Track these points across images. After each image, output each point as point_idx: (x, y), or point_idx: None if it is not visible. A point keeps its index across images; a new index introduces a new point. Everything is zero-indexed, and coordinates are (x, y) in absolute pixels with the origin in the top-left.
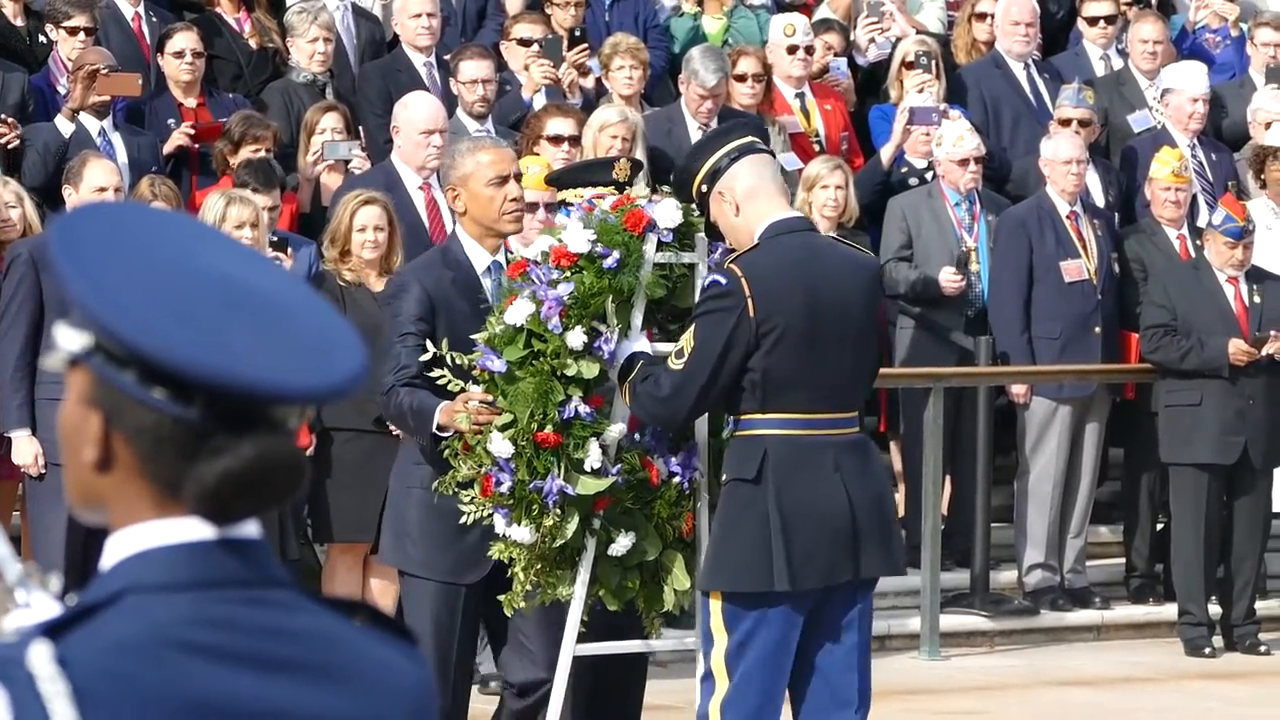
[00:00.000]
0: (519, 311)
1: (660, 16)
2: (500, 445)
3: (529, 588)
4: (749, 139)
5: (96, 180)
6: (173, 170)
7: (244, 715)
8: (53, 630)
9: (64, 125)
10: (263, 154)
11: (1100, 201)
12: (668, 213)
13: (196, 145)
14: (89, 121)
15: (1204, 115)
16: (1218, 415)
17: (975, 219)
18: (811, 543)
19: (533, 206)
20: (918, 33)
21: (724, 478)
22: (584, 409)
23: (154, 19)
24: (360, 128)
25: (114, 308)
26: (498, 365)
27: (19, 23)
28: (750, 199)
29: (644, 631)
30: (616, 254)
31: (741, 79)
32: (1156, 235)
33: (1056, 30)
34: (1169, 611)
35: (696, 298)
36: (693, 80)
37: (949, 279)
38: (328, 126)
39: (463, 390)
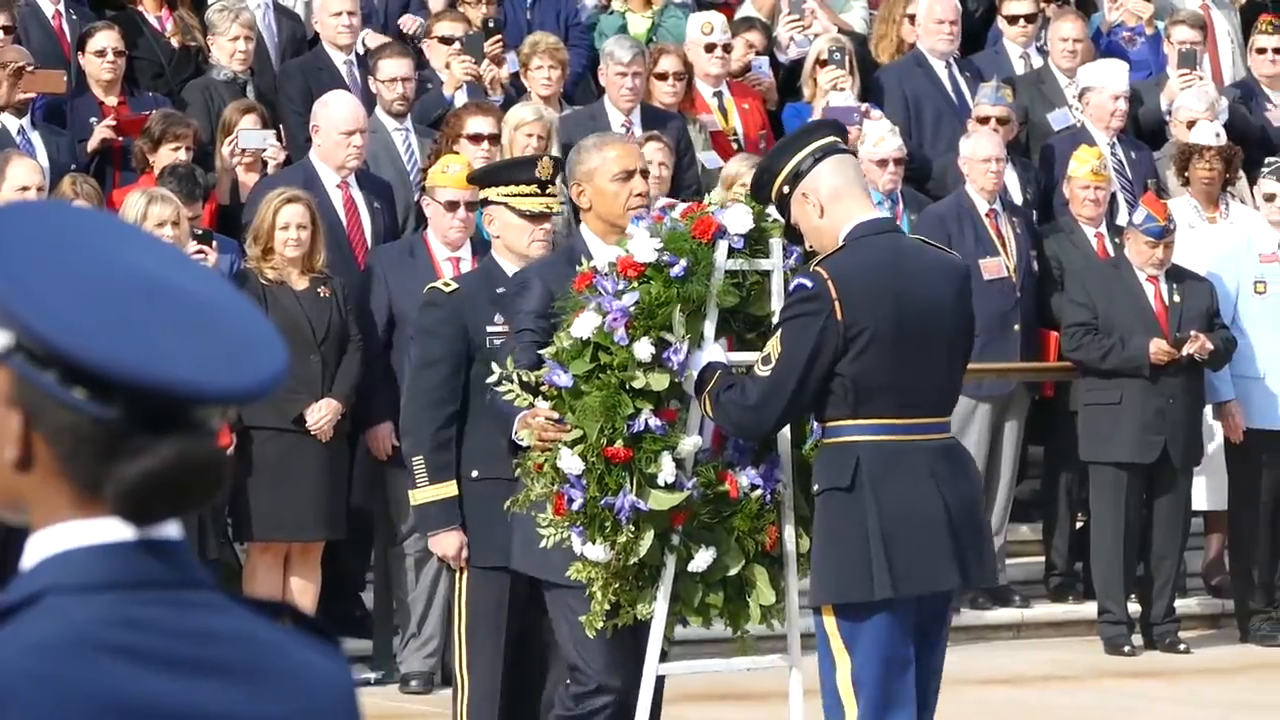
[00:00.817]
0: (585, 324)
1: (582, 15)
2: (570, 462)
3: (608, 607)
4: (832, 139)
5: (19, 179)
6: (94, 169)
7: (164, 717)
8: None
9: None
10: (183, 154)
11: (1019, 199)
12: (739, 218)
13: (120, 139)
14: (8, 120)
15: (1124, 113)
16: (1138, 414)
17: (898, 217)
18: (911, 549)
19: (453, 205)
20: (840, 31)
21: (816, 488)
22: (655, 422)
23: (74, 17)
24: (280, 126)
25: (36, 307)
26: (564, 380)
27: None
28: (835, 200)
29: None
30: (684, 262)
31: (663, 77)
32: (1075, 234)
33: (976, 29)
34: (1089, 610)
35: (776, 303)
36: (610, 62)
37: None
38: (245, 126)
39: (532, 406)
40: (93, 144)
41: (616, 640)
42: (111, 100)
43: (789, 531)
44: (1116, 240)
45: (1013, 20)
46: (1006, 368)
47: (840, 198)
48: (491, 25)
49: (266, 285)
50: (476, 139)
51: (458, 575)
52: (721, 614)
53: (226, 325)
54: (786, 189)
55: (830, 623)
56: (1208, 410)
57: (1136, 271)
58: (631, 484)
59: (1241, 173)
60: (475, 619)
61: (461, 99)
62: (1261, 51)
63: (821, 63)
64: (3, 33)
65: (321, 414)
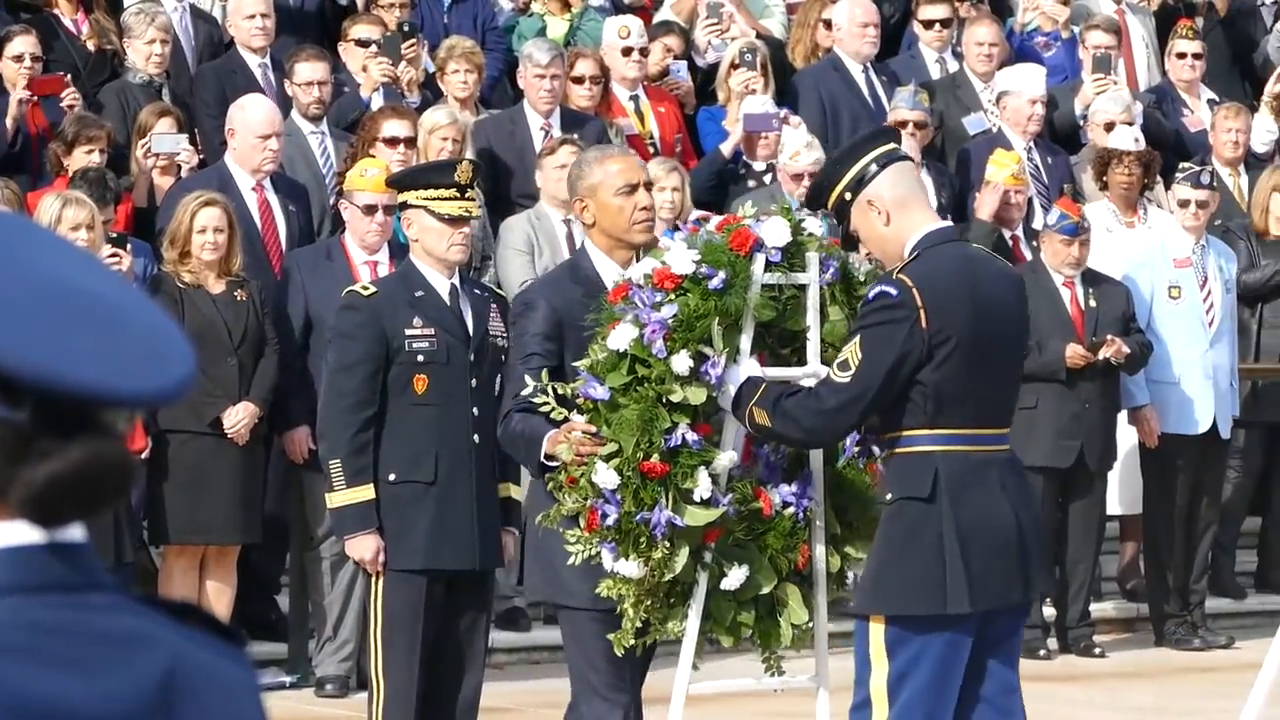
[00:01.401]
0: (622, 336)
1: (499, 19)
2: (605, 476)
3: (639, 625)
4: (892, 145)
5: None
6: (8, 171)
7: (62, 714)
8: None
9: None
10: (97, 157)
11: (933, 204)
12: (776, 231)
13: (36, 99)
14: None
15: (1041, 117)
16: (1053, 419)
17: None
18: (985, 563)
19: (371, 209)
20: (759, 36)
21: (887, 497)
22: (691, 436)
23: None
24: (196, 130)
25: None
26: (600, 393)
27: None
28: (901, 208)
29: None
30: (723, 274)
31: (579, 81)
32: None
33: (891, 33)
34: None
35: (811, 317)
36: (529, 65)
37: None
38: (161, 131)
39: (566, 419)
40: (9, 123)
41: (625, 658)
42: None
43: (820, 550)
44: (1034, 244)
45: (928, 25)
46: None
47: (907, 205)
48: (407, 28)
49: (183, 288)
50: (392, 142)
51: (374, 579)
52: (753, 633)
53: (136, 329)
54: (849, 195)
55: (878, 629)
56: (1122, 415)
57: (1053, 275)
58: (667, 499)
59: (1159, 179)
60: (391, 622)
61: (379, 102)
62: (1181, 56)
63: (735, 66)
64: None
65: (238, 417)
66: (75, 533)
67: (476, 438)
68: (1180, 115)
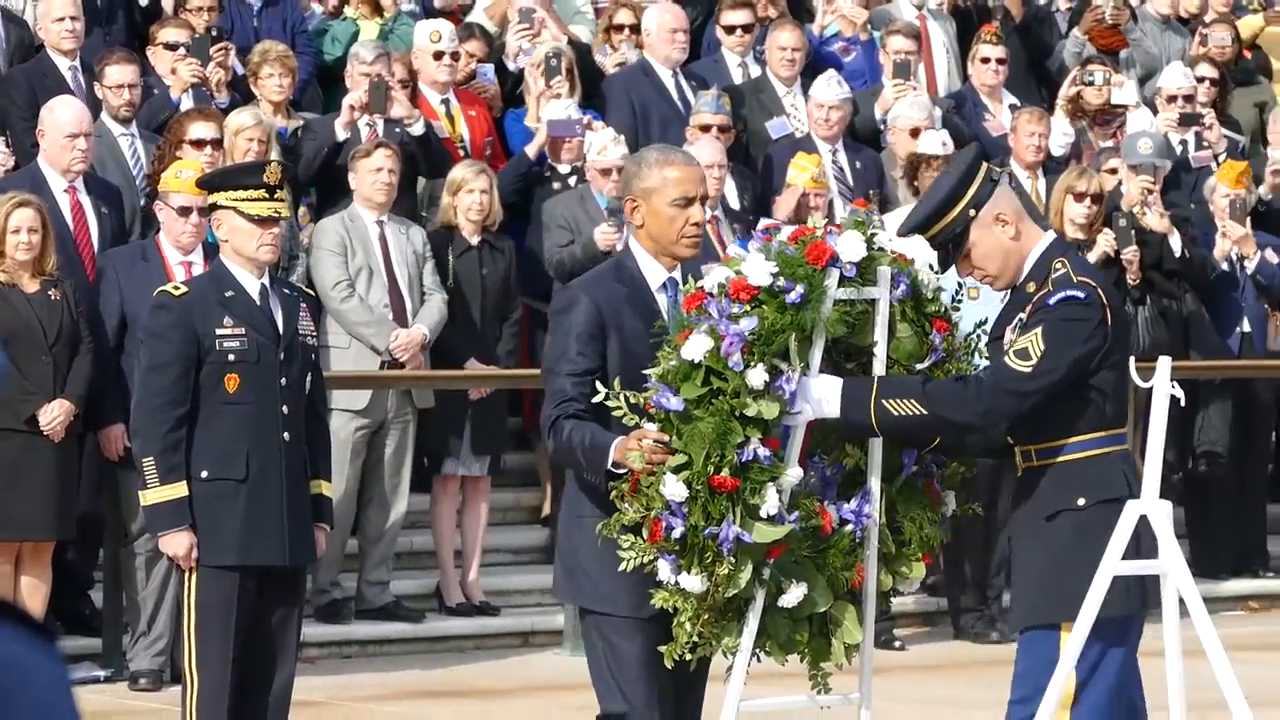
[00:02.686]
0: (697, 347)
1: (309, 23)
2: (674, 488)
3: (695, 639)
4: (988, 165)
5: None
6: None
7: None
8: None
9: None
10: None
11: (736, 206)
12: (852, 245)
13: None
14: None
15: (843, 121)
16: None
17: (623, 237)
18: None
19: (185, 210)
20: (569, 41)
21: (1079, 502)
22: (763, 452)
23: None
24: (8, 132)
25: None
26: (675, 404)
27: None
28: (1023, 221)
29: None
30: (800, 288)
31: None
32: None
33: (694, 37)
34: None
35: (880, 332)
36: (354, 63)
37: (604, 234)
38: None
39: (637, 426)
40: None
41: (658, 672)
42: None
43: (872, 568)
44: None
45: (730, 30)
46: None
47: (1025, 218)
48: (215, 32)
49: (3, 289)
50: (199, 144)
51: (187, 574)
52: (805, 651)
53: None
54: (972, 213)
55: (1063, 638)
56: None
57: None
58: (735, 514)
59: None
60: (205, 617)
61: (188, 103)
62: (985, 61)
63: (540, 72)
64: None
65: (54, 414)
66: None
67: (287, 435)
68: (982, 119)
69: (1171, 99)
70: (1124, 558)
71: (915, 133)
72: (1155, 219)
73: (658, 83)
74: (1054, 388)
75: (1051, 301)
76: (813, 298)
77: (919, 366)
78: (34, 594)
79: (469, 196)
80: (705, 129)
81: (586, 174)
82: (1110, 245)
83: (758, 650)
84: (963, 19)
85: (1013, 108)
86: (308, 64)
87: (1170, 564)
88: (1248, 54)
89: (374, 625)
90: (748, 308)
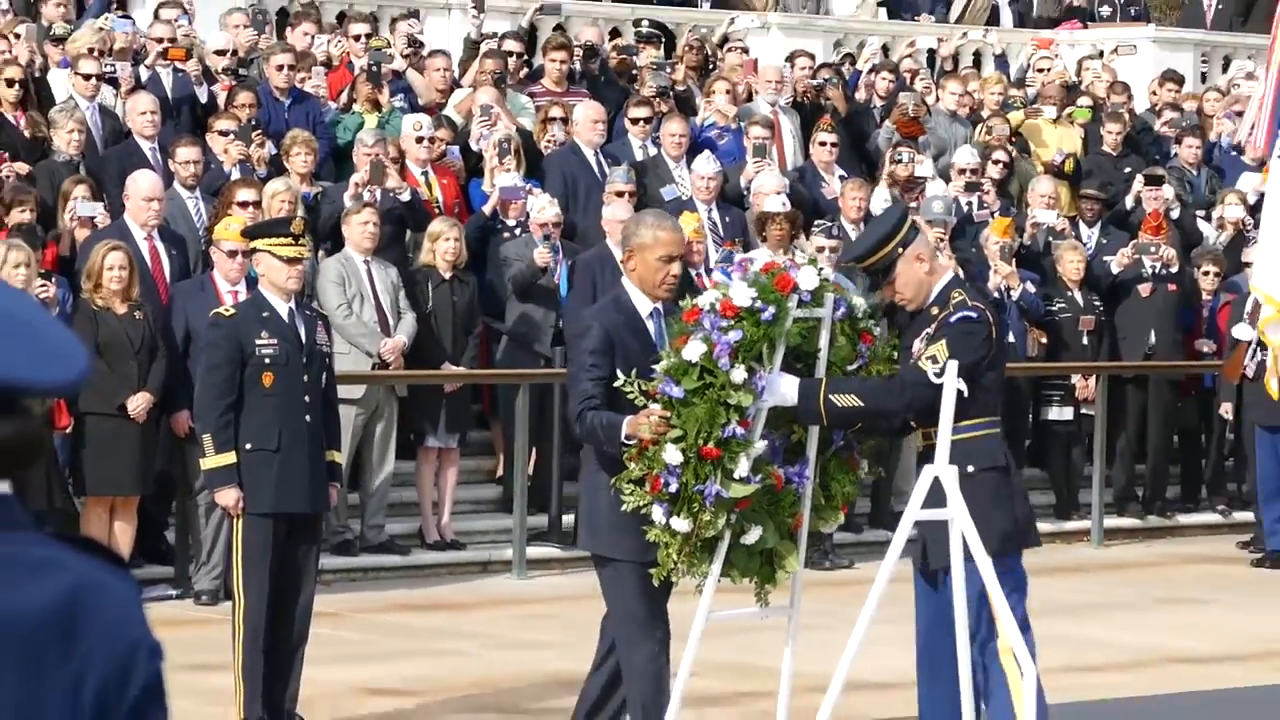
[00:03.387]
0: (694, 350)
1: (326, 116)
2: (673, 454)
3: (674, 566)
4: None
5: None
6: None
7: None
8: None
9: None
10: (28, 215)
11: None
12: (808, 277)
13: None
14: None
15: (717, 188)
16: None
17: (559, 263)
18: (1028, 512)
19: (233, 253)
20: (517, 129)
21: (970, 469)
22: (739, 430)
23: None
24: (104, 196)
25: None
26: (677, 392)
27: None
28: (935, 259)
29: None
30: (772, 309)
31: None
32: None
33: (609, 126)
34: None
35: (823, 341)
36: (360, 146)
37: (540, 254)
38: (78, 195)
39: (645, 407)
40: None
41: (654, 600)
42: None
43: (807, 516)
44: (712, 279)
45: (635, 121)
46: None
47: (937, 258)
48: (254, 123)
49: (97, 310)
50: (244, 204)
51: (235, 520)
52: (757, 577)
53: (47, 340)
54: (900, 251)
55: (989, 565)
56: None
57: None
58: (716, 476)
59: (803, 232)
60: (248, 551)
61: (236, 174)
62: (822, 144)
63: (495, 152)
64: None
65: (138, 403)
66: (4, 488)
67: (308, 418)
68: (820, 187)
69: (961, 171)
70: (1019, 511)
71: (768, 196)
72: (944, 260)
73: (583, 159)
74: (944, 381)
75: (952, 320)
76: (780, 316)
77: (850, 368)
78: (123, 534)
79: (444, 244)
80: (619, 194)
81: (529, 226)
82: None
83: (722, 575)
84: (804, 113)
85: (841, 178)
86: (325, 146)
87: (956, 512)
88: (1013, 138)
89: (373, 557)
90: (734, 322)
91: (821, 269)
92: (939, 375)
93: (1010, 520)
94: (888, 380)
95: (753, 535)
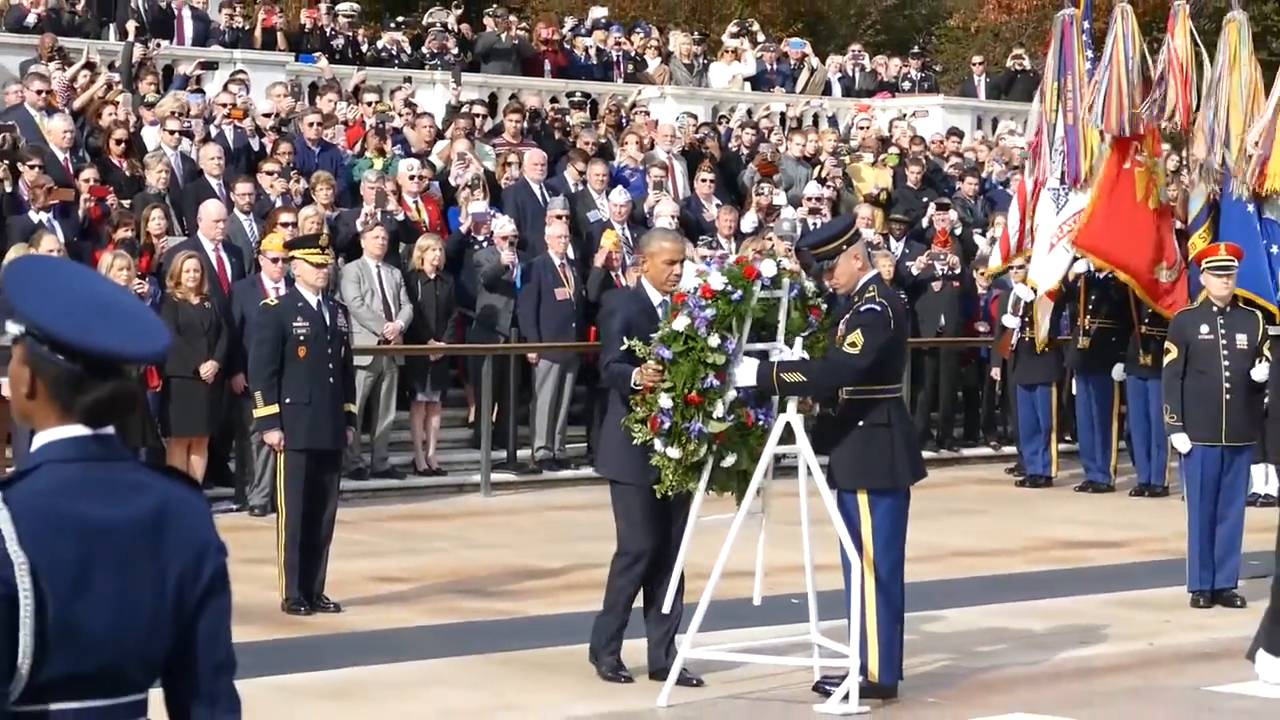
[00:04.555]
0: (680, 323)
1: (345, 160)
2: (664, 400)
3: (671, 483)
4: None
5: (47, 246)
6: (85, 238)
7: (101, 530)
8: (3, 484)
9: (33, 216)
10: (129, 233)
11: (573, 256)
12: (768, 268)
13: (95, 201)
14: (39, 215)
15: (628, 212)
16: None
17: (515, 265)
18: (913, 457)
19: (276, 260)
20: (485, 171)
21: (861, 423)
22: (715, 382)
23: (76, 161)
24: (183, 219)
25: (37, 312)
26: (667, 354)
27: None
28: (866, 260)
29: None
30: (740, 292)
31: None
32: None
33: (551, 166)
34: None
35: (781, 316)
36: (365, 184)
37: (505, 255)
38: (155, 217)
39: (646, 361)
40: (81, 214)
41: (652, 517)
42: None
43: (771, 446)
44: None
45: (570, 160)
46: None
47: (868, 259)
48: (292, 165)
49: (177, 302)
50: (285, 225)
51: (278, 454)
52: (733, 489)
53: (138, 321)
54: (845, 246)
55: (863, 499)
56: None
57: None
58: (699, 416)
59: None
60: (289, 477)
61: (279, 204)
62: (703, 180)
63: (468, 186)
64: (39, 169)
65: (207, 369)
66: (108, 429)
67: (331, 380)
68: (702, 212)
69: (805, 200)
70: (895, 457)
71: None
72: (790, 264)
73: (531, 192)
74: (874, 362)
75: (862, 310)
76: (746, 297)
77: (800, 336)
78: (197, 464)
79: (430, 254)
80: (558, 217)
81: (494, 240)
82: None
83: (708, 490)
84: (690, 158)
85: (718, 205)
86: (343, 182)
87: (801, 448)
88: (841, 177)
89: (380, 481)
90: (710, 302)
91: (780, 261)
92: (859, 357)
93: (887, 465)
94: (822, 361)
95: (729, 460)
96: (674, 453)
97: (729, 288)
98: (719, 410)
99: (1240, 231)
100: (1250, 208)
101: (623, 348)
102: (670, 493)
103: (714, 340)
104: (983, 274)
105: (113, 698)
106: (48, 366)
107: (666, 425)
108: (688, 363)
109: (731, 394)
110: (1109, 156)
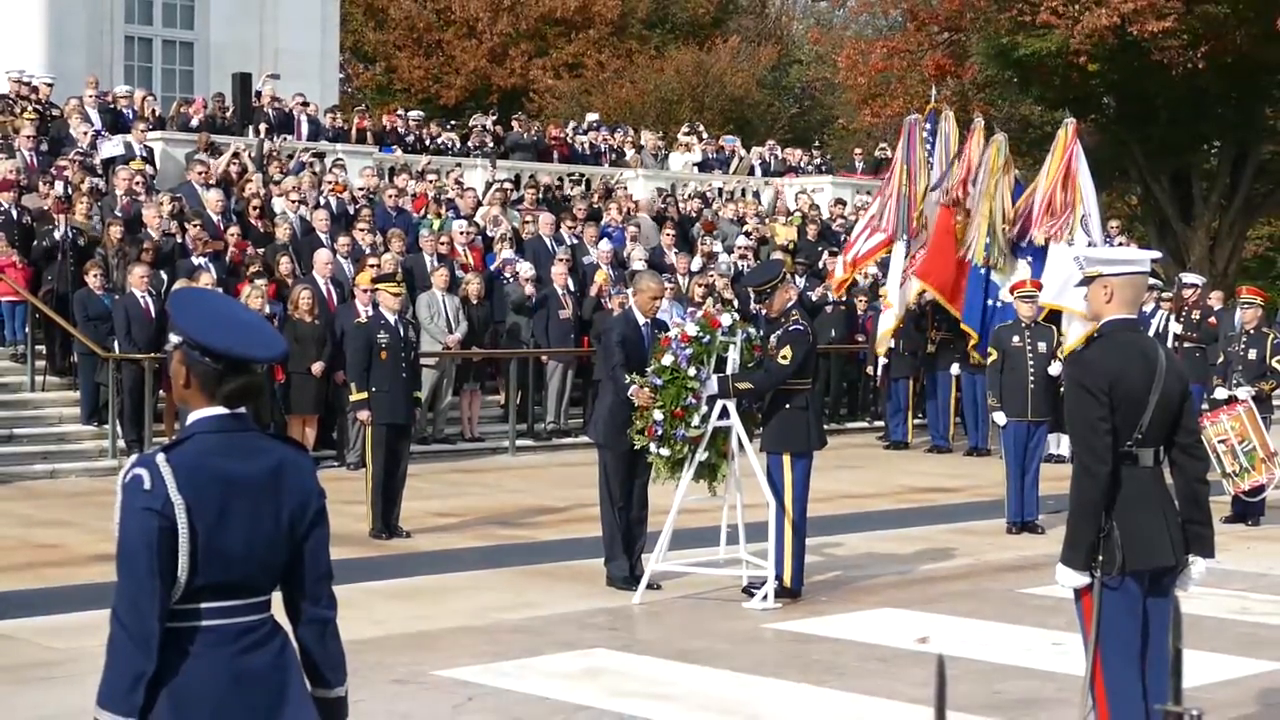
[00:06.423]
0: (667, 360)
1: (413, 221)
2: (657, 415)
3: (662, 474)
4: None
5: (204, 281)
6: (231, 276)
7: (236, 479)
8: (167, 449)
9: (194, 260)
10: (261, 272)
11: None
12: (726, 319)
13: (238, 252)
14: (195, 259)
15: (612, 257)
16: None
17: (534, 296)
18: (820, 429)
19: (365, 291)
20: (512, 229)
21: (786, 406)
22: (693, 400)
23: (176, 210)
24: (300, 262)
25: (191, 328)
26: (658, 382)
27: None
28: (791, 292)
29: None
30: (708, 337)
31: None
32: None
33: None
34: None
35: (734, 354)
36: (424, 236)
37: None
38: (284, 260)
39: (643, 386)
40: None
41: (624, 472)
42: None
43: (734, 445)
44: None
45: (571, 223)
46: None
47: (795, 291)
48: (375, 225)
49: (295, 321)
50: (371, 265)
51: (368, 427)
52: (706, 478)
53: (263, 333)
54: (779, 284)
55: (786, 459)
56: None
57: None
58: (683, 426)
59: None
60: (375, 441)
61: (366, 251)
62: (667, 234)
63: (500, 239)
64: (199, 227)
65: (317, 368)
66: (242, 410)
67: (404, 375)
68: (664, 256)
69: (737, 249)
70: (811, 428)
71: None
72: (793, 293)
73: (544, 243)
74: (798, 370)
75: (791, 329)
76: (712, 340)
77: (750, 365)
78: (309, 435)
79: (473, 286)
80: (562, 260)
81: (519, 279)
82: (713, 305)
83: (694, 479)
84: (657, 219)
85: (675, 252)
86: (411, 236)
87: (734, 422)
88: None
89: (438, 446)
90: (688, 346)
91: (734, 317)
92: (788, 366)
93: (804, 435)
94: (763, 372)
95: (703, 455)
96: (665, 452)
97: (701, 334)
98: (695, 420)
99: (975, 287)
100: (983, 270)
101: (627, 379)
102: (659, 481)
103: (692, 371)
104: (830, 286)
105: (245, 599)
106: (198, 366)
107: (659, 432)
108: (674, 388)
109: (704, 408)
110: (938, 215)
